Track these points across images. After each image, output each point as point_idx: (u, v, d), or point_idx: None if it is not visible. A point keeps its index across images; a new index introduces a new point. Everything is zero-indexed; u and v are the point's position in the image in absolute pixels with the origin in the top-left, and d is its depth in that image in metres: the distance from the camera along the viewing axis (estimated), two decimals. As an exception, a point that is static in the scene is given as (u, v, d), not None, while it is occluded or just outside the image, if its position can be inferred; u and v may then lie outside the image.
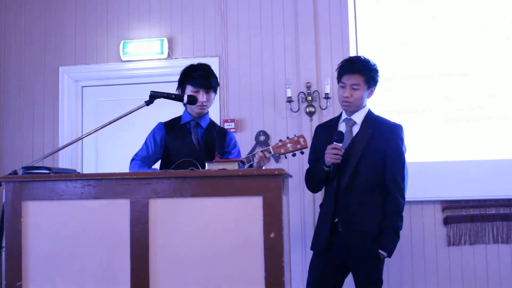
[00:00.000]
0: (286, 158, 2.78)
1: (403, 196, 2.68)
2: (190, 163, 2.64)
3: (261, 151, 2.60)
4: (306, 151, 2.73)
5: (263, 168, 2.65)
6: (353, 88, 2.70)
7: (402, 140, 2.74)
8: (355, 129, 2.75)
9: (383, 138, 2.68)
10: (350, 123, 2.77)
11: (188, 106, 2.85)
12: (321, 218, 2.79)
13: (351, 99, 2.71)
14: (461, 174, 3.79)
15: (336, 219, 2.67)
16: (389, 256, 2.64)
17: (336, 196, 2.69)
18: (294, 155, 2.67)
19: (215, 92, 2.91)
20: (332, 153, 2.62)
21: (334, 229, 2.68)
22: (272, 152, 2.63)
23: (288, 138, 2.65)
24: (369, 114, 2.78)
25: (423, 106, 3.93)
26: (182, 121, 2.90)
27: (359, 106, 2.75)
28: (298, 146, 2.63)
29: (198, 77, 2.81)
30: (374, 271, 2.65)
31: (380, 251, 2.61)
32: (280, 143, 2.64)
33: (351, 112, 2.77)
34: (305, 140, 2.63)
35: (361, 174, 2.65)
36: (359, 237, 2.62)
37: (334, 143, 2.63)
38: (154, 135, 2.89)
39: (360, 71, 2.70)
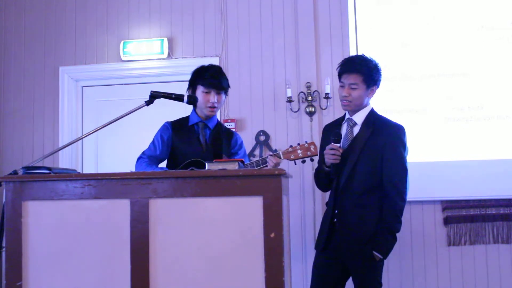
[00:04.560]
0: (295, 164, 2.78)
1: (402, 198, 2.65)
2: (197, 163, 2.64)
3: (272, 155, 2.61)
4: (316, 158, 2.74)
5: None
6: (351, 88, 2.70)
7: (402, 141, 2.70)
8: (356, 130, 2.74)
9: (382, 139, 2.67)
10: (351, 124, 2.77)
11: (198, 107, 2.84)
12: (323, 217, 2.82)
13: (350, 98, 2.70)
14: (461, 174, 3.79)
15: (335, 219, 2.68)
16: (385, 257, 2.62)
17: (335, 196, 2.70)
18: (303, 161, 2.68)
19: (226, 93, 2.89)
20: (330, 154, 2.63)
21: (333, 228, 2.68)
22: (282, 158, 2.64)
23: (299, 144, 2.67)
24: (371, 114, 2.76)
25: (423, 106, 3.92)
26: (190, 122, 2.88)
27: (359, 106, 2.73)
28: (309, 153, 2.64)
29: (210, 77, 2.79)
30: (371, 272, 2.64)
31: (374, 252, 2.58)
32: (290, 149, 2.65)
33: (352, 112, 2.76)
34: (315, 148, 2.63)
35: (358, 175, 2.65)
36: (355, 237, 2.62)
37: (332, 143, 2.64)
38: (162, 134, 2.86)
39: (358, 71, 2.69)
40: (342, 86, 2.74)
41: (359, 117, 2.75)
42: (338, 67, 2.79)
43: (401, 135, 2.71)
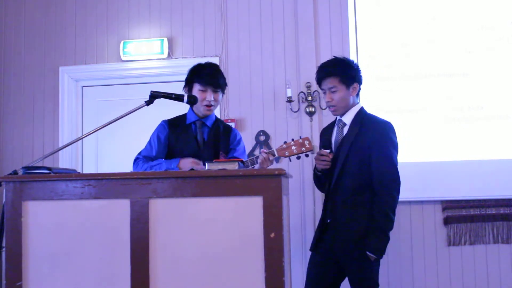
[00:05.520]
0: (290, 161, 2.75)
1: (391, 195, 2.60)
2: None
3: (265, 153, 2.59)
4: (311, 154, 2.74)
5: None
6: (332, 91, 2.71)
7: (389, 137, 2.67)
8: (345, 130, 2.74)
9: (369, 137, 2.64)
10: (341, 125, 2.77)
11: (195, 106, 2.81)
12: (320, 218, 2.82)
13: (333, 102, 2.71)
14: (461, 174, 3.79)
15: (329, 220, 2.68)
16: (380, 257, 2.60)
17: (327, 197, 2.71)
18: (298, 157, 2.66)
19: (223, 92, 2.86)
20: (320, 160, 2.65)
21: (327, 229, 2.69)
22: (276, 155, 2.61)
23: (293, 140, 2.62)
24: (359, 113, 2.75)
25: (423, 106, 3.92)
26: (187, 121, 2.86)
27: (345, 107, 2.73)
28: (303, 149, 2.60)
29: (206, 76, 2.76)
30: (366, 272, 2.62)
31: (368, 253, 2.56)
32: (284, 145, 2.62)
33: (341, 114, 2.77)
34: (310, 143, 2.60)
35: (348, 174, 2.64)
36: (347, 237, 2.61)
37: (321, 149, 2.65)
38: (158, 134, 2.85)
39: (332, 73, 2.70)
40: (324, 93, 2.77)
41: (348, 117, 2.75)
42: (315, 76, 2.80)
43: (388, 132, 2.68)
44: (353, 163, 2.63)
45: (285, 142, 2.63)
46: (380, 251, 2.58)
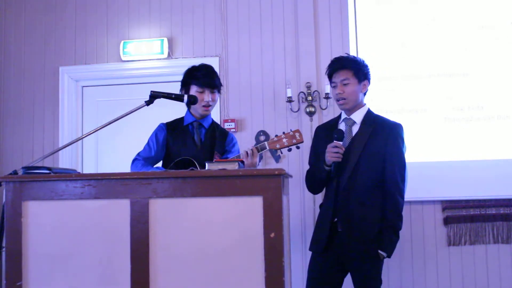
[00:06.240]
0: (281, 153, 2.76)
1: (402, 196, 2.68)
2: (189, 162, 2.63)
3: (252, 148, 2.58)
4: (302, 146, 2.71)
5: (258, 164, 2.65)
6: (344, 84, 2.72)
7: (402, 139, 2.73)
8: (355, 129, 2.75)
9: (382, 138, 2.68)
10: (350, 123, 2.77)
11: (192, 107, 2.84)
12: (320, 218, 2.79)
13: (345, 95, 2.71)
14: (461, 174, 3.79)
15: (336, 219, 2.67)
16: (389, 256, 2.64)
17: (336, 196, 2.68)
18: (290, 150, 2.65)
19: (219, 92, 2.90)
20: (333, 152, 2.62)
21: (334, 229, 2.68)
22: (268, 148, 2.61)
23: (284, 133, 2.63)
24: (369, 113, 2.78)
25: (423, 106, 3.93)
26: (184, 123, 2.89)
27: (354, 102, 2.74)
28: (294, 141, 2.60)
29: (203, 77, 2.80)
30: (374, 271, 2.64)
31: (379, 251, 2.60)
32: (275, 138, 2.62)
33: (349, 111, 2.77)
34: (300, 135, 2.61)
35: (360, 174, 2.65)
36: (359, 237, 2.62)
37: (335, 141, 2.63)
38: (157, 135, 2.87)
39: (346, 66, 2.72)
40: (334, 87, 2.77)
41: (358, 116, 2.76)
42: (326, 70, 2.81)
43: (401, 133, 2.75)
44: (367, 162, 2.65)
45: (276, 135, 2.64)
46: (392, 251, 2.64)
